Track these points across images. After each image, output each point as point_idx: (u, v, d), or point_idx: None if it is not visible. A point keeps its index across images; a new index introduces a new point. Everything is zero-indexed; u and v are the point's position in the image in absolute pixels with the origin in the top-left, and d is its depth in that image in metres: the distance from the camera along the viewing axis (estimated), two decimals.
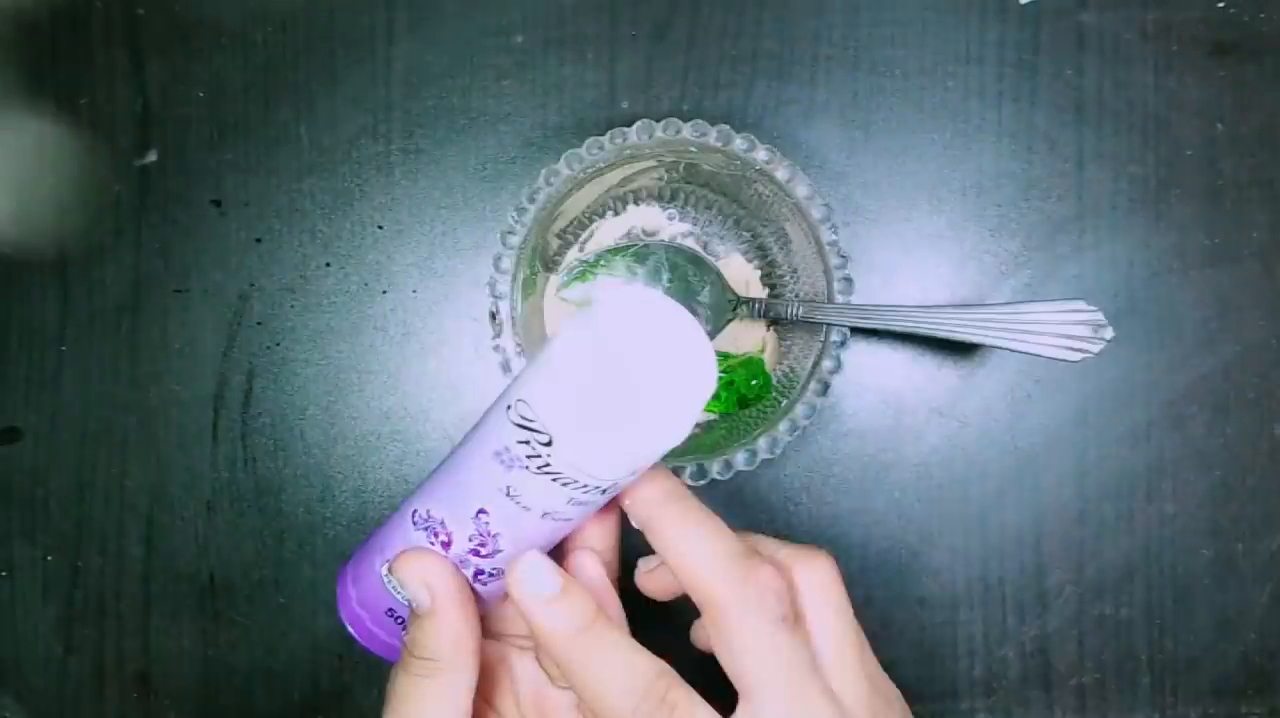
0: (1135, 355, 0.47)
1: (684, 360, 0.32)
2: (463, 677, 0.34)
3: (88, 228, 0.47)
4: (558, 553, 0.36)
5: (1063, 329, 0.35)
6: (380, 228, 0.47)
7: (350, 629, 0.38)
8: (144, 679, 0.48)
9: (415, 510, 0.35)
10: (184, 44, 0.47)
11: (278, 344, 0.47)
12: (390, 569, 0.34)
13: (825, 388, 0.40)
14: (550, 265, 0.45)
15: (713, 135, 0.40)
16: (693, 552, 0.33)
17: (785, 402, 0.41)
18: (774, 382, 0.44)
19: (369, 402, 0.47)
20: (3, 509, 0.48)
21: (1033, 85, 0.46)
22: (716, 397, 0.44)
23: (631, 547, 0.36)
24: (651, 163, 0.42)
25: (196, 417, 0.47)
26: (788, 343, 0.44)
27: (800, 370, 0.42)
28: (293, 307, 0.47)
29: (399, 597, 0.36)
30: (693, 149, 0.40)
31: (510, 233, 0.40)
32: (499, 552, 0.34)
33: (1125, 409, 0.47)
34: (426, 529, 0.35)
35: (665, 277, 0.42)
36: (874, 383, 0.47)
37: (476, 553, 0.34)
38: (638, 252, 0.42)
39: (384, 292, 0.47)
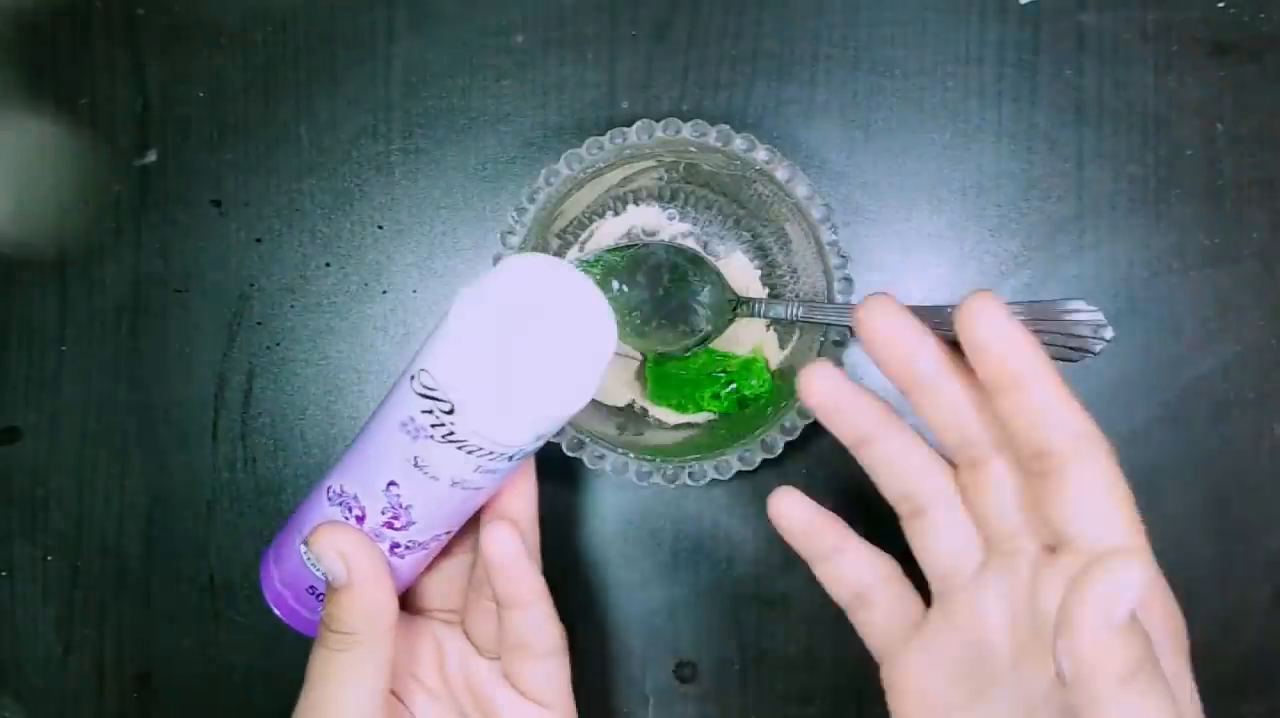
0: (1135, 355, 0.47)
1: (584, 324, 0.32)
2: (379, 651, 0.34)
3: (88, 228, 0.47)
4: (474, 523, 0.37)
5: (1063, 329, 0.35)
6: (380, 228, 0.47)
7: (274, 609, 0.38)
8: (144, 679, 0.48)
9: (330, 487, 0.35)
10: (184, 44, 0.47)
11: (278, 344, 0.47)
12: (306, 544, 0.34)
13: None
14: None
15: (712, 135, 0.40)
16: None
17: (785, 402, 0.41)
18: (773, 381, 0.44)
19: (369, 402, 0.47)
20: (3, 509, 0.48)
21: (1032, 85, 0.46)
22: (716, 397, 0.44)
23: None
24: (651, 163, 0.43)
25: (196, 417, 0.47)
26: (788, 343, 0.45)
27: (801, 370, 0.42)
28: (293, 307, 0.47)
29: (318, 573, 0.36)
30: (692, 149, 0.40)
31: (510, 233, 0.40)
32: (412, 523, 0.35)
33: (1125, 409, 0.47)
34: (341, 505, 0.35)
35: (665, 277, 0.42)
36: (874, 383, 0.47)
37: (390, 526, 0.34)
38: (637, 252, 0.42)
39: (384, 292, 0.47)
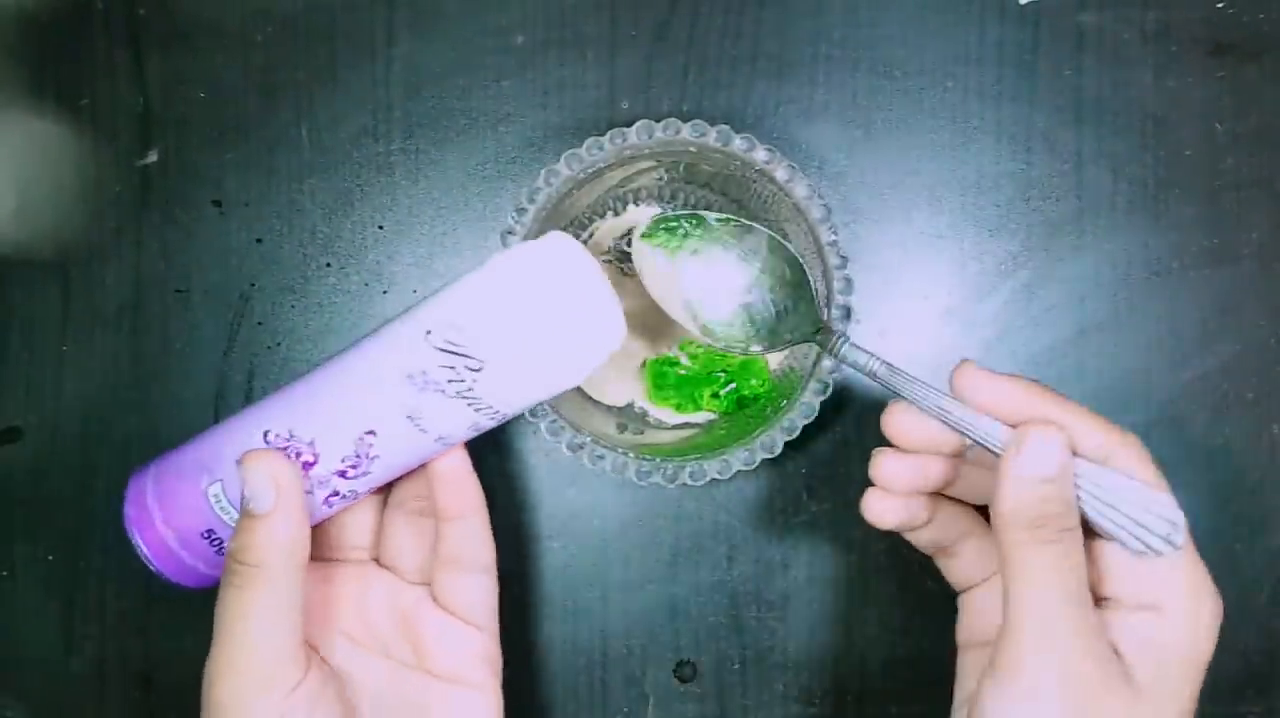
0: (1134, 355, 0.47)
1: (599, 310, 0.34)
2: (293, 586, 0.34)
3: (88, 228, 0.47)
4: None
5: (1134, 513, 0.33)
6: (381, 228, 0.47)
7: (144, 549, 0.36)
8: (145, 679, 0.48)
9: (270, 430, 0.35)
10: (185, 44, 0.47)
11: (278, 344, 0.47)
12: (240, 463, 0.34)
13: (825, 388, 0.40)
14: None
15: (712, 136, 0.40)
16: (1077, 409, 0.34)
17: (785, 402, 0.41)
18: (773, 381, 0.44)
19: None
20: (4, 509, 0.48)
21: (1032, 85, 0.46)
22: (716, 397, 0.44)
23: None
24: (651, 163, 0.43)
25: (197, 417, 0.47)
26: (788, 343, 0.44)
27: (800, 370, 0.42)
28: (293, 307, 0.47)
29: (225, 518, 0.35)
30: (692, 149, 0.40)
31: (510, 233, 0.40)
32: (367, 474, 0.35)
33: (1125, 409, 0.47)
34: (284, 449, 0.35)
35: (758, 265, 0.41)
36: (873, 383, 0.47)
37: (343, 474, 0.35)
38: (740, 226, 0.40)
39: (384, 292, 0.47)
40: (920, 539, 0.38)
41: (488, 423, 0.34)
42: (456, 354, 0.33)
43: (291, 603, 0.34)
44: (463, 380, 0.33)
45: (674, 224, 0.40)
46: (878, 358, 0.36)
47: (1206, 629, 0.33)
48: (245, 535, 0.34)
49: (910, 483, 0.36)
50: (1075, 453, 0.33)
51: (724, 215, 0.40)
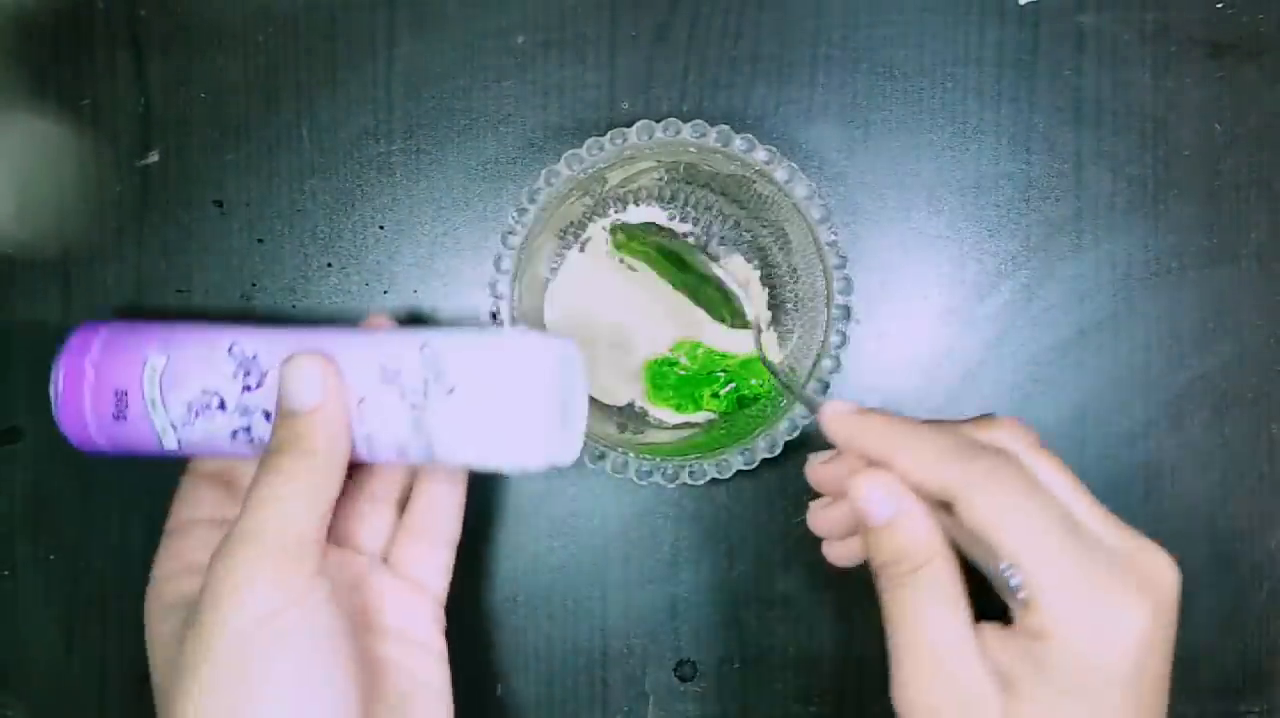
0: (1134, 355, 0.47)
1: (572, 420, 0.37)
2: (335, 474, 0.35)
3: (89, 228, 0.47)
4: None
5: (989, 566, 0.33)
6: (381, 228, 0.47)
7: (60, 379, 0.38)
8: (146, 679, 0.48)
9: (235, 344, 0.37)
10: (186, 44, 0.47)
11: None
12: (285, 363, 0.35)
13: (825, 388, 0.40)
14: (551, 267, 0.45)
15: (712, 136, 0.40)
16: (918, 449, 0.33)
17: (785, 401, 0.41)
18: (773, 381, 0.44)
19: None
20: (5, 508, 0.48)
21: (1031, 86, 0.46)
22: (716, 396, 0.44)
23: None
24: (651, 163, 0.43)
25: None
26: (787, 343, 0.45)
27: (800, 370, 0.42)
28: (293, 307, 0.47)
29: (146, 389, 0.37)
30: (692, 150, 0.40)
31: (510, 233, 0.40)
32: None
33: (1124, 409, 0.47)
34: (239, 364, 0.37)
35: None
36: (874, 383, 0.47)
37: (267, 416, 0.36)
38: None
39: (385, 292, 0.47)
40: None
41: (411, 448, 0.35)
42: (437, 372, 0.34)
43: (330, 492, 0.34)
44: (424, 396, 0.34)
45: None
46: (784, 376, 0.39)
47: (1102, 647, 0.31)
48: (293, 423, 0.34)
49: (844, 527, 0.37)
50: (922, 494, 0.33)
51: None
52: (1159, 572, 0.33)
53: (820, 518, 0.38)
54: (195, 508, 0.40)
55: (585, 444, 0.40)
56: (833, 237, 0.40)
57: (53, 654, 0.47)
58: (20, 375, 0.48)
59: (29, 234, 0.47)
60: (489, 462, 0.35)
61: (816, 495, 0.39)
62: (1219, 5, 0.46)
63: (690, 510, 0.47)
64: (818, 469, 0.37)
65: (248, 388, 0.36)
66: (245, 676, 0.32)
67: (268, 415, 0.36)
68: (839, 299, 0.40)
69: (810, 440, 0.47)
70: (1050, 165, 0.46)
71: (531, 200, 0.40)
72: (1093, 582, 0.31)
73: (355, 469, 0.40)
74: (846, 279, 0.40)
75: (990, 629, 0.33)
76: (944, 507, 0.33)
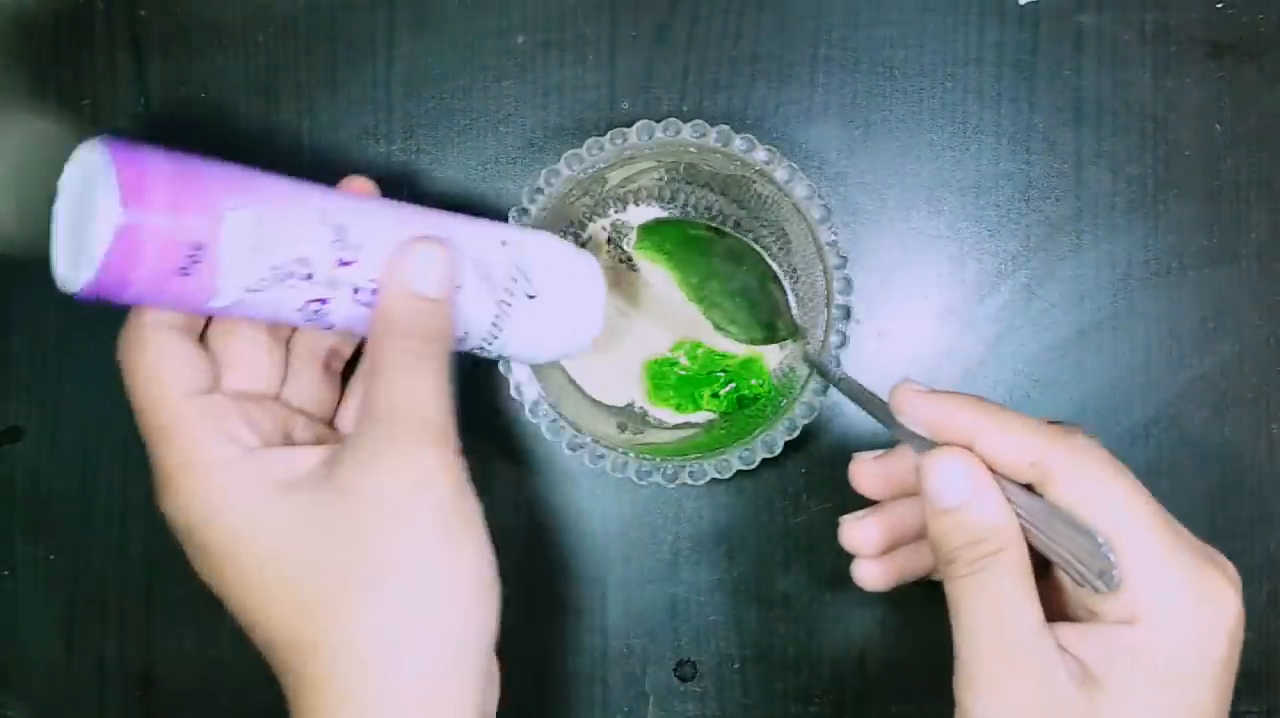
0: (1134, 355, 0.47)
1: (597, 310, 0.40)
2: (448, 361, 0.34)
3: None
4: None
5: (1069, 547, 0.31)
6: None
7: (121, 225, 0.29)
8: (146, 679, 0.48)
9: (327, 211, 0.33)
10: (186, 45, 0.47)
11: None
12: (421, 246, 0.34)
13: (825, 388, 0.40)
14: None
15: (712, 136, 0.40)
16: (1007, 425, 0.31)
17: (785, 401, 0.41)
18: (773, 381, 0.44)
19: None
20: (4, 509, 0.48)
21: (1031, 86, 0.46)
22: (716, 396, 0.44)
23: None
24: (652, 163, 0.43)
25: None
26: (787, 343, 0.45)
27: (800, 370, 0.42)
28: None
29: (226, 247, 0.31)
30: (692, 150, 0.40)
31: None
32: (368, 306, 0.34)
33: (1124, 409, 0.47)
34: (336, 235, 0.33)
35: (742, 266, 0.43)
36: (874, 383, 0.47)
37: (356, 291, 0.33)
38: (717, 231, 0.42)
39: None
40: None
41: (480, 339, 0.37)
42: (522, 274, 0.36)
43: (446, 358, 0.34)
44: (511, 295, 0.36)
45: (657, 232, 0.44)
46: (842, 373, 0.37)
47: (1199, 629, 0.30)
48: (415, 312, 0.33)
49: (880, 543, 0.35)
50: (1007, 473, 0.31)
51: (695, 222, 0.43)
52: (1231, 569, 0.32)
53: (856, 532, 0.35)
54: (192, 376, 0.33)
55: (585, 445, 0.40)
56: (833, 237, 0.40)
57: (53, 654, 0.47)
58: (20, 375, 0.47)
59: (29, 234, 0.47)
60: (535, 358, 0.39)
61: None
62: (1219, 5, 0.46)
63: (690, 511, 0.47)
64: (868, 466, 0.35)
65: (344, 263, 0.33)
66: (435, 567, 0.31)
67: (355, 291, 0.33)
68: (839, 299, 0.40)
69: (811, 440, 0.47)
70: (1050, 165, 0.47)
71: (532, 200, 0.40)
72: (1188, 566, 0.30)
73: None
74: (846, 279, 0.40)
75: (1061, 627, 0.31)
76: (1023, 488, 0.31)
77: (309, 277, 0.32)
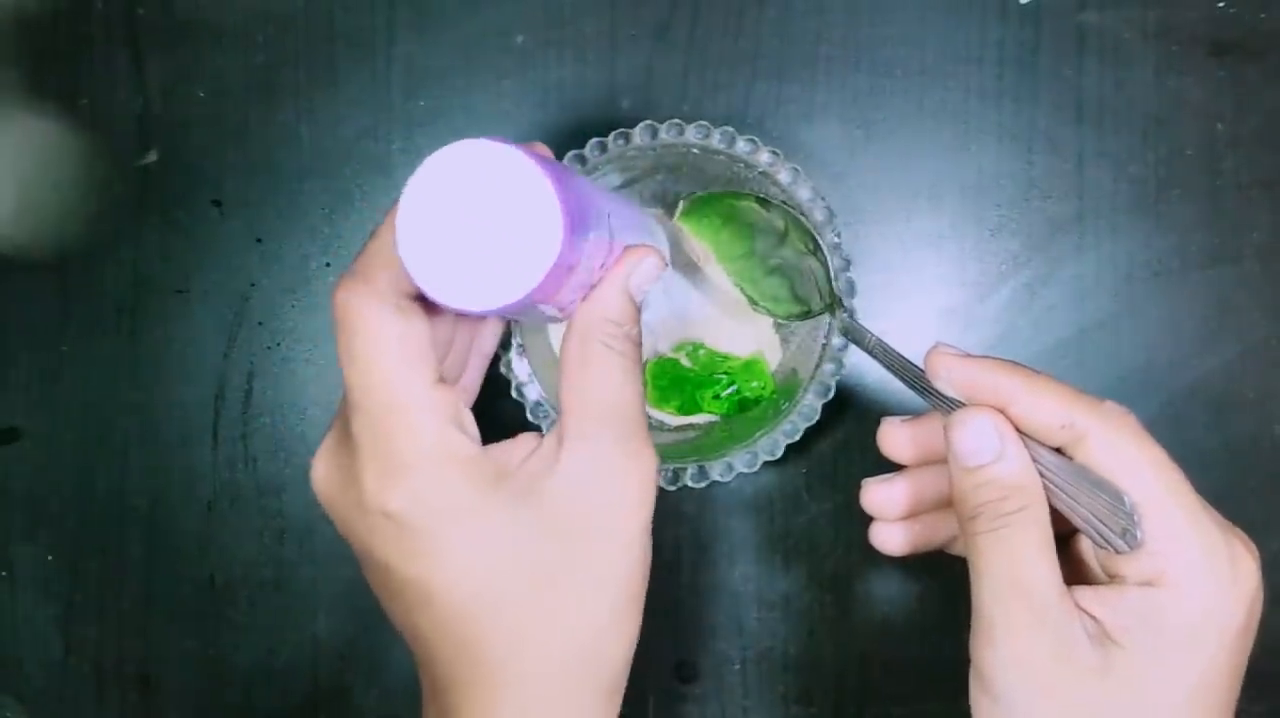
0: (1135, 355, 0.47)
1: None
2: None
3: (88, 228, 0.47)
4: None
5: (1092, 507, 0.31)
6: None
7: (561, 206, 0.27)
8: (145, 679, 0.48)
9: (611, 214, 0.32)
10: (185, 44, 0.47)
11: (278, 344, 0.47)
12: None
13: (827, 390, 0.40)
14: None
15: (716, 137, 0.40)
16: (1042, 388, 0.31)
17: (787, 404, 0.41)
18: (775, 384, 0.44)
19: None
20: (3, 509, 0.48)
21: (1033, 85, 0.46)
22: (717, 398, 0.44)
23: None
24: (652, 163, 0.43)
25: (197, 417, 0.47)
26: (790, 345, 0.45)
27: (802, 372, 0.42)
28: (293, 307, 0.47)
29: (601, 238, 0.30)
30: (695, 151, 0.40)
31: None
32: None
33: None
34: (604, 228, 0.31)
35: (780, 236, 0.41)
36: (876, 385, 0.47)
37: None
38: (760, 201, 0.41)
39: None
40: (956, 548, 0.37)
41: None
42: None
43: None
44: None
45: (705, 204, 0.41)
46: (875, 338, 0.36)
47: (1221, 595, 0.30)
48: (634, 323, 0.33)
49: (902, 507, 0.35)
50: (1038, 435, 0.32)
51: (744, 193, 0.40)
52: (1252, 545, 0.32)
53: (878, 493, 0.35)
54: (432, 363, 0.31)
55: None
56: (836, 239, 0.40)
57: (51, 656, 0.47)
58: (20, 376, 0.47)
59: (27, 234, 0.47)
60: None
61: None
62: (1220, 4, 0.46)
63: (690, 511, 0.47)
64: (898, 429, 0.35)
65: (604, 264, 0.32)
66: (632, 587, 0.32)
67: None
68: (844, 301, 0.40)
69: (811, 442, 0.47)
70: (1052, 165, 0.46)
71: None
72: (1213, 534, 0.30)
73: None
74: (849, 281, 0.40)
75: (1080, 589, 0.31)
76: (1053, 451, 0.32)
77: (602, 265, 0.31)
